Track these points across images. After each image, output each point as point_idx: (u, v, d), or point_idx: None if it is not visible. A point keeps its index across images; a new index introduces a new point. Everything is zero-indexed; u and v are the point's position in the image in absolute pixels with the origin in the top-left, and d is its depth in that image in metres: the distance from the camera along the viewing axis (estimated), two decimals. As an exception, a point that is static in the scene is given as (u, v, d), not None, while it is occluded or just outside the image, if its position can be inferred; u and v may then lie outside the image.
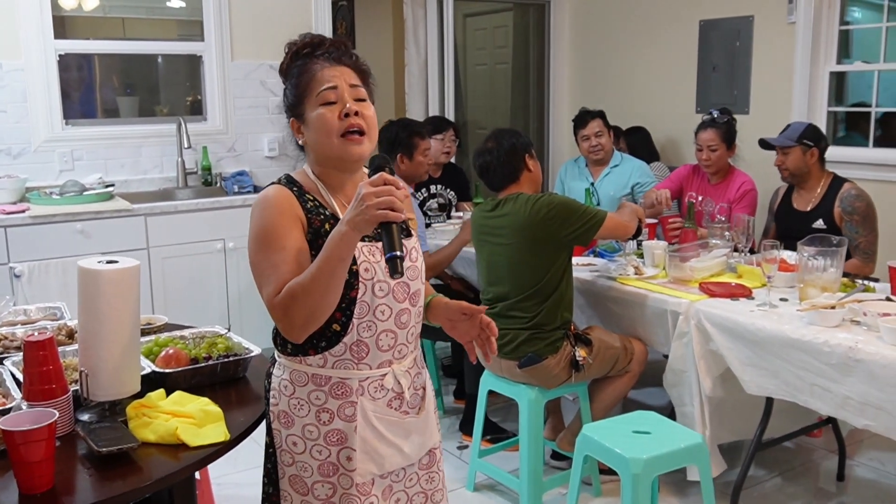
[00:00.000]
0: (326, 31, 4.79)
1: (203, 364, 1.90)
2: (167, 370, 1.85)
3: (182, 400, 1.71)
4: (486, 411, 3.10)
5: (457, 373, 3.98)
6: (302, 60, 1.60)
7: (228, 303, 4.16)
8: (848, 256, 3.21)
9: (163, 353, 1.92)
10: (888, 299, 2.48)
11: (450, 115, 5.61)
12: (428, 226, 4.15)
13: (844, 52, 4.46)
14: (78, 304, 1.63)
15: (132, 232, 3.87)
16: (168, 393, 1.75)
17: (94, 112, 4.51)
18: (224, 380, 1.93)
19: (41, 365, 1.55)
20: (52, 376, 1.56)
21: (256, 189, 4.44)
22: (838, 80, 4.50)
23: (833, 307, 2.42)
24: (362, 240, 1.52)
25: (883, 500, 2.98)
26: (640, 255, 3.27)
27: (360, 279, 1.51)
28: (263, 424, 1.69)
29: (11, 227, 3.59)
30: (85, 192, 3.94)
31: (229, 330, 2.14)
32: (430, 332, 3.54)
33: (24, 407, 1.56)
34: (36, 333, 1.61)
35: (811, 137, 3.32)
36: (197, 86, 4.66)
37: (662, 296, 2.85)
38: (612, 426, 2.40)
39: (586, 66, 5.87)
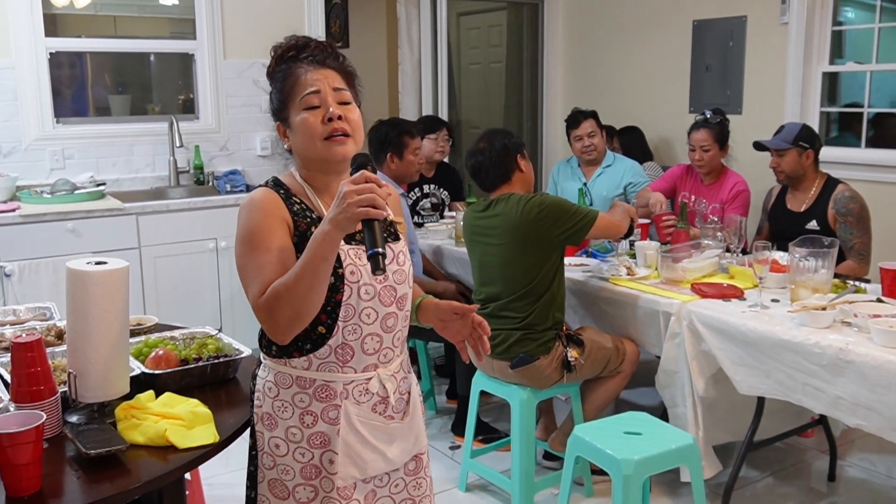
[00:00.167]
0: (319, 29, 4.77)
1: (193, 365, 1.90)
2: (157, 371, 1.84)
3: (171, 401, 1.70)
4: (479, 412, 3.10)
5: (450, 373, 3.98)
6: (286, 64, 1.60)
7: (220, 302, 4.15)
8: (842, 258, 3.23)
9: (153, 354, 1.91)
10: (879, 300, 2.49)
11: (443, 114, 5.61)
12: (421, 225, 4.14)
13: (837, 53, 4.48)
14: (66, 306, 1.62)
15: (124, 231, 3.85)
16: (158, 394, 1.74)
17: (85, 110, 4.49)
18: (214, 381, 1.92)
19: (29, 366, 1.54)
20: (40, 378, 1.55)
21: (249, 188, 4.43)
22: (831, 80, 4.51)
23: (824, 308, 2.42)
24: (348, 243, 1.52)
25: (874, 500, 2.99)
26: (633, 256, 3.27)
27: (346, 282, 1.50)
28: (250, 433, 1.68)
29: (2, 226, 3.57)
30: (76, 191, 3.92)
31: (220, 331, 2.13)
32: (422, 333, 3.55)
33: (11, 409, 1.55)
34: (24, 335, 1.60)
35: (806, 139, 3.32)
36: (189, 84, 4.65)
37: (654, 296, 2.85)
38: (603, 427, 2.40)
39: (580, 65, 5.87)
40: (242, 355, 1.98)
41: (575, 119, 4.15)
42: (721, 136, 3.68)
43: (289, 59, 1.60)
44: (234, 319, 4.06)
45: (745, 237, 3.19)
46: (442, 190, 4.38)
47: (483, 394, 3.06)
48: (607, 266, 3.18)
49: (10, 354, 1.63)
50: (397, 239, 1.63)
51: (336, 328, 1.52)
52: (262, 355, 1.63)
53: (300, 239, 1.51)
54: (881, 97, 4.37)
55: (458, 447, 3.37)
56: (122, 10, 4.65)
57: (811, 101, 4.47)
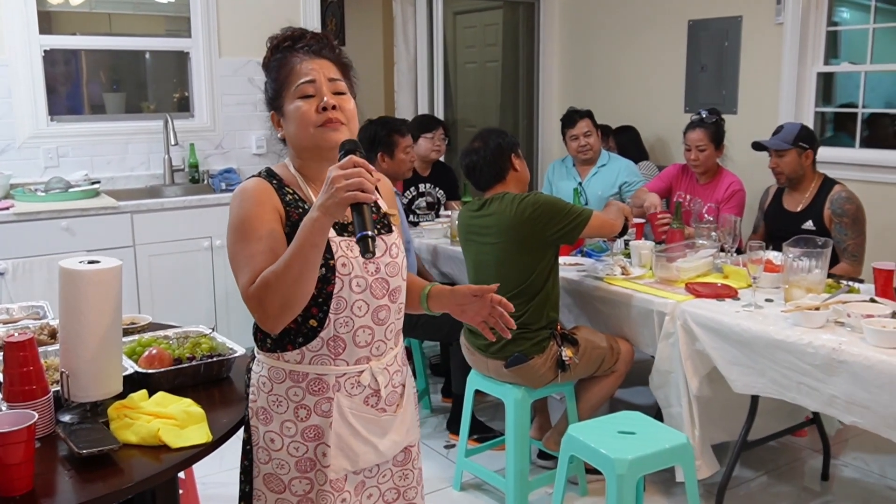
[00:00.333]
0: (315, 27, 4.76)
1: (186, 364, 1.89)
2: (150, 371, 1.83)
3: (164, 401, 1.69)
4: (474, 410, 3.10)
5: (445, 372, 3.98)
6: (281, 54, 1.60)
7: (215, 300, 4.14)
8: (836, 260, 3.23)
9: (146, 353, 1.90)
10: (872, 300, 2.49)
11: (439, 113, 5.60)
12: (416, 224, 4.14)
13: (832, 53, 4.49)
14: (59, 305, 1.62)
15: (118, 229, 3.84)
16: (151, 394, 1.74)
17: (80, 108, 4.48)
18: (207, 380, 1.92)
19: (21, 366, 1.54)
20: (32, 377, 1.55)
21: (244, 185, 4.42)
22: (827, 80, 4.52)
23: (817, 308, 2.43)
24: (340, 234, 1.52)
25: (867, 499, 3.00)
26: (628, 255, 3.27)
27: (337, 274, 1.50)
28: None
29: (-5, 224, 3.56)
30: (70, 189, 3.91)
31: (213, 330, 2.13)
32: (417, 332, 3.55)
33: (3, 408, 1.54)
34: (16, 333, 1.59)
35: (806, 139, 3.32)
36: (184, 82, 4.64)
37: (648, 296, 2.85)
38: (597, 426, 2.40)
39: (576, 64, 5.88)
40: (236, 354, 1.97)
41: (570, 118, 4.15)
42: (716, 135, 3.68)
43: (284, 49, 1.60)
44: (228, 318, 4.06)
45: (739, 237, 3.20)
46: (437, 189, 4.37)
47: (478, 393, 3.06)
48: (602, 265, 3.19)
49: (2, 353, 1.63)
50: (390, 231, 1.63)
51: (328, 321, 1.52)
52: (256, 349, 1.63)
53: (292, 229, 1.51)
54: (876, 97, 4.38)
55: (453, 446, 3.37)
56: (117, 8, 4.64)
57: (806, 101, 4.48)
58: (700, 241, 3.24)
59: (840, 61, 4.49)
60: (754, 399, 2.73)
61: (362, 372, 1.58)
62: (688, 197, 3.81)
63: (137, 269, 3.90)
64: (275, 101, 1.60)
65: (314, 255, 1.40)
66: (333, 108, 1.53)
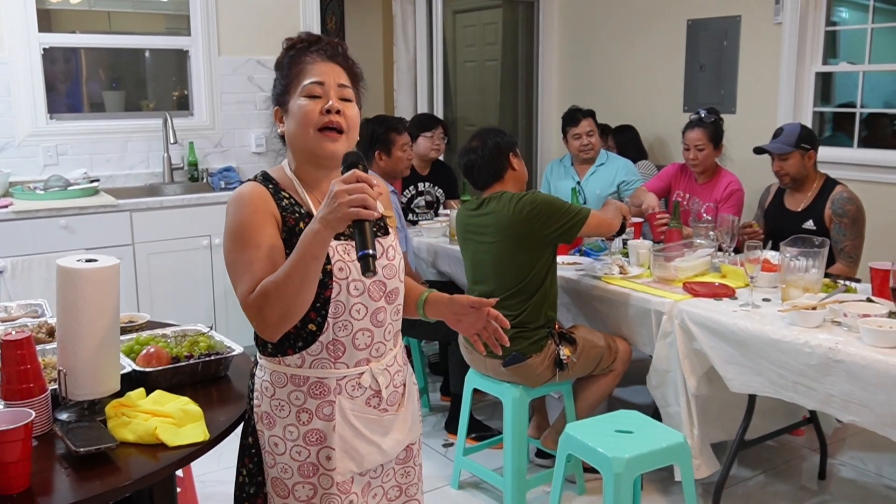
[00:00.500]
0: (315, 26, 4.77)
1: (184, 363, 1.89)
2: (148, 369, 1.84)
3: (162, 399, 1.70)
4: (472, 409, 3.11)
5: (443, 370, 3.98)
6: (295, 52, 1.60)
7: (214, 299, 4.15)
8: (833, 261, 3.24)
9: (144, 351, 1.91)
10: (869, 300, 2.50)
11: (438, 112, 5.61)
12: (415, 223, 4.15)
13: (831, 53, 4.49)
14: (56, 303, 1.62)
15: (117, 228, 3.84)
16: (149, 392, 1.74)
17: (79, 106, 4.48)
18: (205, 379, 1.92)
19: (19, 364, 1.54)
20: (29, 375, 1.55)
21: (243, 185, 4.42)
22: (827, 80, 4.53)
23: (814, 308, 2.43)
24: (336, 238, 1.51)
25: (864, 498, 3.00)
26: (626, 255, 3.28)
27: (335, 278, 1.50)
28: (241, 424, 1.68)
29: (-6, 222, 3.56)
30: (69, 188, 3.92)
31: (211, 328, 2.13)
32: (416, 331, 3.55)
33: (0, 406, 1.55)
34: (14, 332, 1.60)
35: (808, 140, 3.31)
36: (184, 81, 4.64)
37: (646, 295, 2.86)
38: (594, 425, 2.40)
39: (575, 64, 5.88)
40: (234, 353, 1.97)
41: (573, 117, 4.15)
42: (715, 135, 3.68)
43: (300, 49, 1.60)
44: (227, 316, 4.06)
45: (737, 236, 3.20)
46: (436, 188, 4.38)
47: (477, 392, 3.06)
48: (600, 265, 3.19)
49: None
50: (387, 233, 1.63)
51: (326, 325, 1.52)
52: (257, 354, 1.63)
53: (288, 234, 1.51)
54: (874, 97, 4.39)
55: (452, 445, 3.38)
56: (116, 6, 4.65)
57: (804, 101, 4.48)
58: (698, 241, 3.24)
59: (839, 61, 4.50)
60: (752, 398, 2.74)
61: (363, 374, 1.58)
62: (686, 196, 3.82)
63: (136, 267, 3.90)
64: (282, 97, 1.60)
65: (314, 267, 1.40)
66: (338, 112, 1.54)
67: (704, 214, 3.66)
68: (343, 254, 1.52)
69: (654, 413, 2.88)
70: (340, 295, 1.51)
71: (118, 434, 1.57)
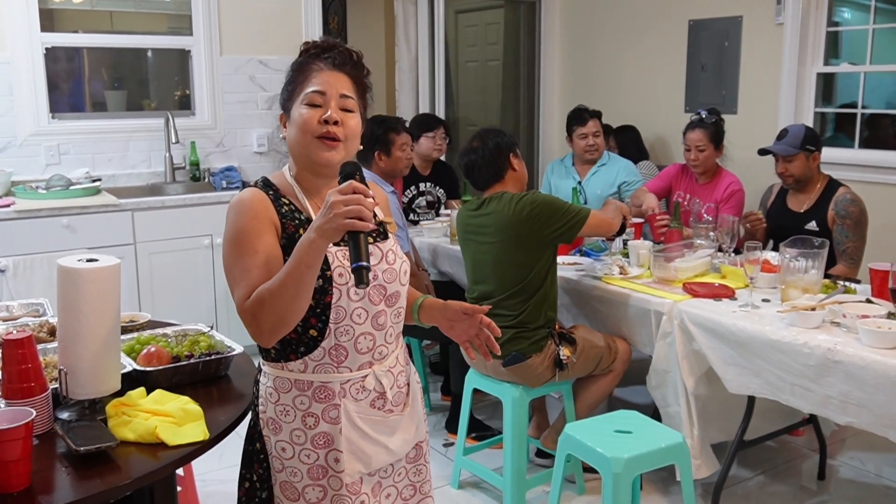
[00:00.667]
0: (317, 26, 4.78)
1: (184, 362, 1.90)
2: (148, 368, 1.85)
3: (162, 398, 1.71)
4: (473, 409, 3.11)
5: (444, 370, 3.99)
6: (305, 58, 1.61)
7: (216, 298, 4.16)
8: (834, 262, 3.24)
9: (144, 351, 1.92)
10: (868, 301, 2.50)
11: (440, 112, 5.61)
12: (416, 223, 4.15)
13: (833, 53, 4.49)
14: (57, 303, 1.63)
15: (119, 227, 3.86)
16: (149, 391, 1.75)
17: (81, 105, 4.49)
18: (206, 378, 1.93)
19: (20, 363, 1.55)
20: (30, 374, 1.56)
21: (245, 185, 4.42)
22: (828, 80, 4.53)
23: (813, 309, 2.43)
24: (336, 244, 1.51)
25: (863, 498, 3.00)
26: (626, 255, 3.28)
27: (335, 284, 1.51)
28: (244, 431, 1.68)
29: (-4, 221, 3.58)
30: (71, 187, 3.93)
31: (212, 328, 2.14)
32: (416, 331, 3.56)
33: (1, 405, 1.56)
34: (15, 331, 1.61)
35: (812, 141, 3.31)
36: (186, 80, 4.65)
37: (646, 296, 2.86)
38: (594, 425, 2.41)
39: (576, 64, 5.88)
40: (234, 352, 1.98)
41: (581, 116, 4.15)
42: (716, 136, 3.68)
43: (311, 56, 1.61)
44: (228, 316, 4.07)
45: (737, 237, 3.20)
46: (438, 188, 4.38)
47: (477, 391, 3.07)
48: (601, 265, 3.19)
49: (1, 351, 1.64)
50: (386, 238, 1.64)
51: (328, 330, 1.52)
52: (261, 361, 1.63)
53: (288, 241, 1.52)
54: (876, 98, 4.38)
55: (452, 444, 3.38)
56: (118, 6, 4.66)
57: (806, 102, 4.48)
58: (698, 241, 3.25)
59: (840, 62, 4.50)
60: (751, 399, 2.74)
61: (366, 377, 1.58)
62: (687, 197, 3.82)
63: (138, 266, 3.92)
64: (286, 103, 1.61)
65: (309, 276, 1.40)
66: (336, 123, 1.54)
67: (705, 215, 3.67)
68: (343, 259, 1.52)
69: (654, 413, 2.89)
70: (341, 300, 1.52)
71: (118, 433, 1.57)
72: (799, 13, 4.36)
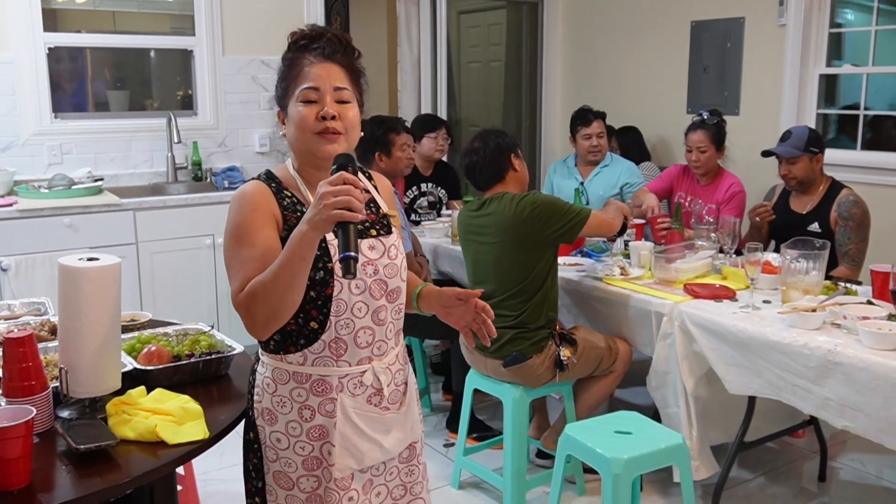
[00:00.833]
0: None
1: (185, 362, 1.91)
2: (149, 367, 1.85)
3: (162, 397, 1.71)
4: (474, 409, 3.12)
5: (446, 370, 3.99)
6: (294, 53, 1.60)
7: (217, 298, 4.16)
8: (835, 263, 3.23)
9: (145, 350, 1.92)
10: (869, 303, 2.50)
11: (442, 112, 5.62)
12: (418, 223, 4.16)
13: (836, 55, 4.48)
14: (58, 302, 1.64)
15: (121, 227, 3.86)
16: (149, 390, 1.75)
17: (83, 105, 4.50)
18: (206, 377, 1.93)
19: (21, 361, 1.56)
20: (31, 373, 1.56)
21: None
22: (830, 82, 4.52)
23: (814, 310, 2.43)
24: (337, 237, 1.52)
25: (864, 500, 3.00)
26: (627, 256, 3.28)
27: (336, 277, 1.51)
28: (243, 420, 1.69)
29: (-1, 220, 3.58)
30: (73, 186, 3.93)
31: (213, 327, 2.15)
32: (417, 331, 3.56)
33: (2, 403, 1.56)
34: (16, 330, 1.61)
35: (816, 144, 3.30)
36: (188, 80, 4.66)
37: (646, 297, 2.86)
38: (594, 426, 2.41)
39: (579, 65, 5.88)
40: (235, 352, 1.99)
41: (585, 117, 4.16)
42: (718, 137, 3.68)
43: (299, 48, 1.60)
44: (229, 315, 4.07)
45: (739, 238, 3.20)
46: (439, 188, 4.39)
47: (478, 392, 3.07)
48: (602, 266, 3.19)
49: (2, 349, 1.64)
50: (389, 232, 1.64)
51: (328, 323, 1.53)
52: (259, 351, 1.64)
53: (289, 233, 1.52)
54: (878, 99, 4.38)
55: (452, 444, 3.39)
56: (121, 6, 4.66)
57: (808, 103, 4.48)
58: (699, 243, 3.25)
59: (842, 63, 4.49)
60: (752, 400, 2.74)
61: (364, 372, 1.59)
62: (688, 198, 3.82)
63: (140, 266, 3.92)
64: (282, 100, 1.61)
65: (302, 268, 1.41)
66: (333, 118, 1.54)
67: (706, 216, 3.66)
68: None
69: (655, 414, 2.89)
70: (342, 293, 1.52)
71: (119, 432, 1.58)
72: (801, 14, 4.36)
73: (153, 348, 1.92)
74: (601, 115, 4.17)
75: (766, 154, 3.40)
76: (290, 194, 1.58)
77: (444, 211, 4.31)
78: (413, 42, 5.54)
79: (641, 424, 2.41)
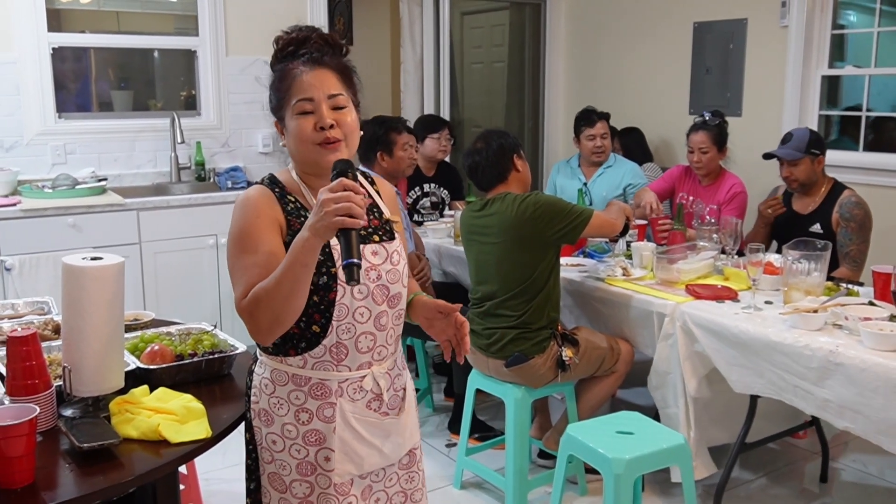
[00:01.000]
0: (323, 27, 4.76)
1: (188, 361, 1.91)
2: (152, 366, 1.86)
3: (165, 396, 1.72)
4: (476, 410, 3.12)
5: (448, 371, 4.00)
6: (283, 63, 1.59)
7: (220, 298, 4.17)
8: (837, 264, 3.23)
9: (148, 349, 1.93)
10: (871, 303, 2.50)
11: (445, 113, 5.62)
12: (421, 224, 4.16)
13: (838, 56, 4.48)
14: (62, 301, 1.65)
15: (124, 226, 3.87)
16: (152, 389, 1.76)
17: (87, 105, 4.52)
18: (209, 377, 1.94)
19: (24, 360, 1.57)
20: (35, 371, 1.57)
21: (250, 185, 4.38)
22: (833, 83, 4.52)
23: (816, 311, 2.43)
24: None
25: (865, 501, 3.00)
26: (630, 256, 3.29)
27: (339, 281, 1.51)
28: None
29: (3, 220, 3.59)
30: (77, 186, 3.94)
31: (216, 327, 2.16)
32: (420, 331, 3.56)
33: (6, 402, 1.57)
34: (20, 328, 1.62)
35: (817, 145, 3.30)
36: (191, 81, 4.67)
37: (648, 297, 2.87)
38: (595, 426, 2.42)
39: (581, 66, 5.89)
40: (237, 351, 1.99)
41: (589, 117, 4.16)
42: (719, 138, 3.68)
43: (286, 57, 1.59)
44: (232, 315, 4.08)
45: (741, 239, 3.21)
46: (442, 189, 4.39)
47: (480, 392, 3.08)
48: (604, 266, 3.20)
49: (5, 348, 1.65)
50: (392, 238, 1.63)
51: (330, 327, 1.53)
52: (258, 351, 1.64)
53: (293, 239, 1.52)
54: (880, 101, 4.38)
55: (454, 445, 3.39)
56: (125, 6, 4.68)
57: (810, 105, 4.48)
58: (701, 243, 3.25)
59: (845, 64, 4.49)
60: (753, 401, 2.74)
61: (364, 377, 1.59)
62: (690, 198, 3.82)
63: (143, 266, 3.93)
64: (277, 112, 1.60)
65: (304, 275, 1.41)
66: (332, 127, 1.53)
67: (707, 217, 3.67)
68: None
69: (657, 415, 2.89)
70: (345, 298, 1.52)
71: (121, 430, 1.59)
72: (804, 16, 4.36)
73: (156, 347, 1.93)
74: (605, 116, 4.18)
75: (767, 156, 3.40)
76: (293, 199, 1.58)
77: (446, 211, 4.32)
78: (416, 43, 5.55)
79: (643, 425, 2.41)
